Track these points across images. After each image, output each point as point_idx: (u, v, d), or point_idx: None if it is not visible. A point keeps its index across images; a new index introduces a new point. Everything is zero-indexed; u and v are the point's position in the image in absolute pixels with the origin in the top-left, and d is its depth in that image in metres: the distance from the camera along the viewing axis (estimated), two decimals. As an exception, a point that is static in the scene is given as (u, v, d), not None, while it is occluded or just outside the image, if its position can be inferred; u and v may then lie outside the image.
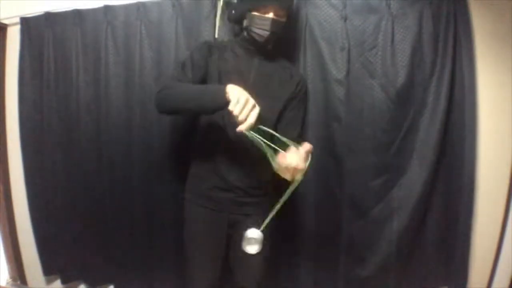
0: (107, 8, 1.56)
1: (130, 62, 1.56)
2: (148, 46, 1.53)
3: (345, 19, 1.38)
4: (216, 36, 1.45)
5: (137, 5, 1.53)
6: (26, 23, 1.69)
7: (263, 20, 1.15)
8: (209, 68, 1.20)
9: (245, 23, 1.20)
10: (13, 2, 1.74)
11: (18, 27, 1.71)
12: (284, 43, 1.41)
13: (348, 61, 1.38)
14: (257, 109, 0.95)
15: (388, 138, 1.39)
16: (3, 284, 1.92)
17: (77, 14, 1.60)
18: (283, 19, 1.19)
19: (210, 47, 1.23)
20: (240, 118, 0.92)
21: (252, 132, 0.94)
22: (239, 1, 1.24)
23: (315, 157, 1.40)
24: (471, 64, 1.35)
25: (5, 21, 1.76)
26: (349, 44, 1.38)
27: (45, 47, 1.66)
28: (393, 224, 1.41)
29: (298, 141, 1.00)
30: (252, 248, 1.11)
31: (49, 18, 1.65)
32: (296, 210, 1.47)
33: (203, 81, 1.20)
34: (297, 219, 1.47)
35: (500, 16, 1.35)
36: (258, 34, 1.17)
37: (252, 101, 0.95)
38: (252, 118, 0.93)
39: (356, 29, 1.38)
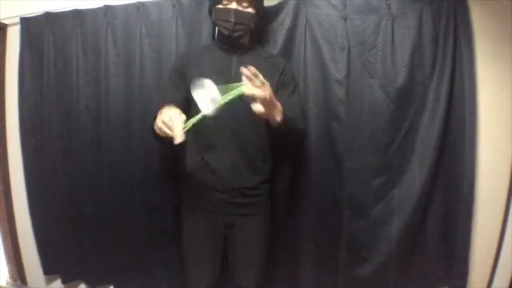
0: (107, 8, 1.56)
1: (130, 62, 1.56)
2: (148, 46, 1.53)
3: (345, 19, 1.38)
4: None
5: (137, 5, 1.53)
6: (26, 23, 1.69)
7: (226, 11, 1.17)
8: (188, 76, 1.22)
9: (212, 18, 1.24)
10: (13, 2, 1.73)
11: (18, 27, 1.71)
12: (283, 42, 1.43)
13: (348, 61, 1.38)
14: (178, 118, 0.91)
15: (388, 138, 1.39)
16: (3, 284, 1.92)
17: (77, 14, 1.60)
18: (248, 10, 1.19)
19: (187, 56, 1.27)
20: (170, 135, 0.90)
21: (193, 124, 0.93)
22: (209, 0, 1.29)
23: (315, 157, 1.43)
24: (471, 64, 1.35)
25: (5, 21, 1.76)
26: (349, 44, 1.38)
27: (45, 47, 1.66)
28: (393, 224, 1.41)
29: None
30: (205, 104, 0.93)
31: (49, 18, 1.64)
32: (296, 210, 1.47)
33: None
34: (297, 218, 1.47)
35: (500, 16, 1.35)
36: (223, 27, 1.18)
37: (165, 116, 0.92)
38: (178, 128, 0.89)
39: (356, 29, 1.38)
